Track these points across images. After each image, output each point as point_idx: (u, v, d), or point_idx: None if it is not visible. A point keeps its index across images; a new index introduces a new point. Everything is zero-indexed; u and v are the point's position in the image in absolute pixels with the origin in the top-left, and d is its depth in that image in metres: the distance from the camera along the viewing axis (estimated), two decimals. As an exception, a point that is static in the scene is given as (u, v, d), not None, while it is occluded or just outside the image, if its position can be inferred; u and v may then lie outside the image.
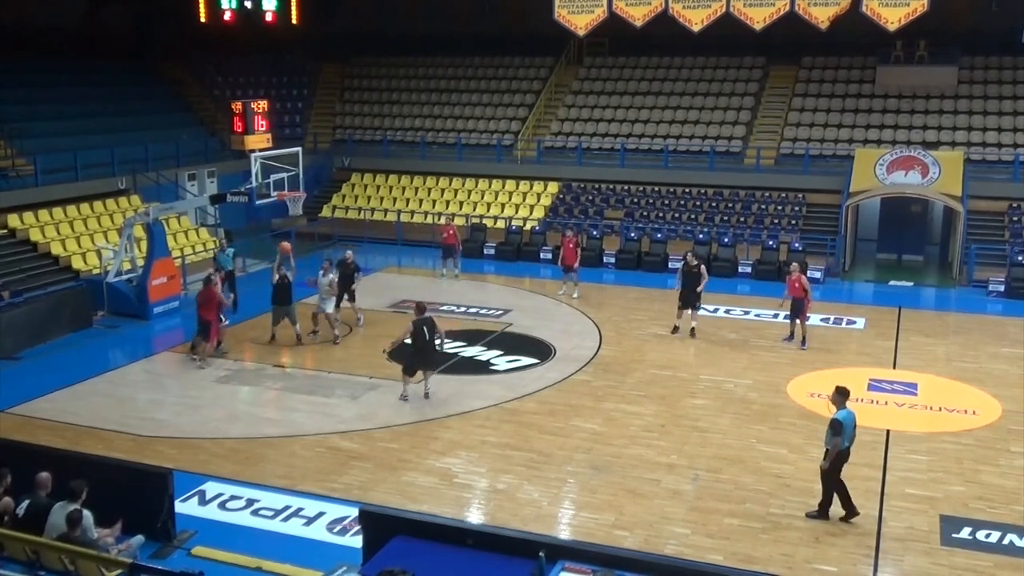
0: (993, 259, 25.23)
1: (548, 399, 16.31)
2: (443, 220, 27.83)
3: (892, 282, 25.71)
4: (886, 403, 16.23)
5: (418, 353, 16.04)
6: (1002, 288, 23.96)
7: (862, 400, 16.34)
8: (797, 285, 19.23)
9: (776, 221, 28.60)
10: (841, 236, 26.56)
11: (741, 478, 13.16)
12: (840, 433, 11.65)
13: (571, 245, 23.63)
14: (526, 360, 18.38)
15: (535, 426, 15.00)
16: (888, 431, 14.88)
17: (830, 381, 17.06)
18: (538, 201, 31.26)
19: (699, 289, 19.97)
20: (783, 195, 29.44)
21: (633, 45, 33.60)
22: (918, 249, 28.44)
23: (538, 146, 32.81)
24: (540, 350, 19.04)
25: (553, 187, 31.60)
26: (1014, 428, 15.06)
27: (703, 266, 20.39)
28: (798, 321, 19.43)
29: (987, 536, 11.57)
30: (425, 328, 15.85)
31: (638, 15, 27.09)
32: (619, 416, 15.51)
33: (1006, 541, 11.46)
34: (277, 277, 19.08)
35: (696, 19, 26.86)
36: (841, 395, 12.05)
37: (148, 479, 11.23)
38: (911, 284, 25.41)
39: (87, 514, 9.36)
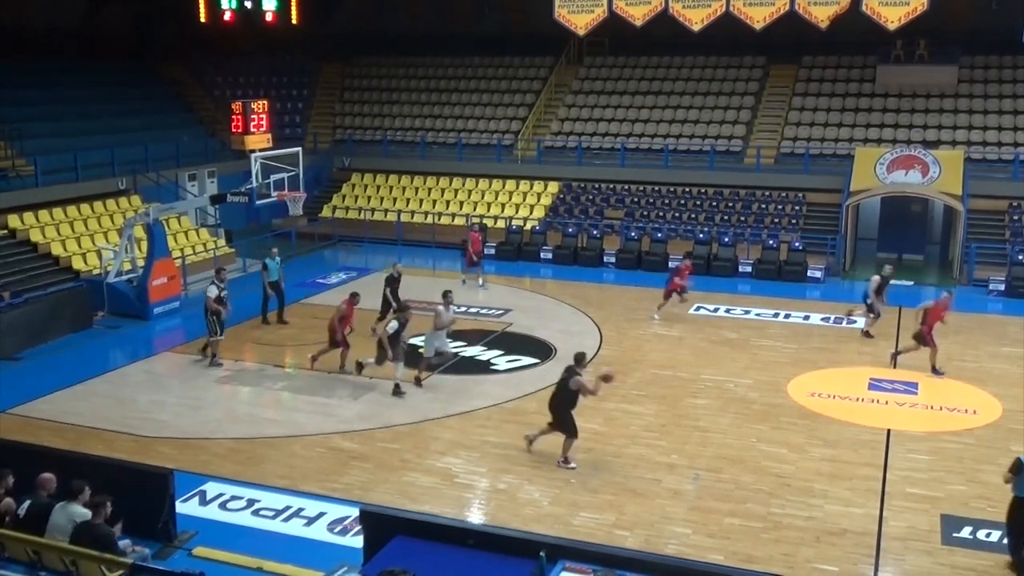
0: (993, 258, 25.23)
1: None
2: (470, 225, 27.27)
3: (892, 282, 25.63)
4: (887, 403, 16.23)
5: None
6: (1002, 287, 23.96)
7: (863, 400, 16.38)
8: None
9: (776, 220, 28.59)
10: (841, 235, 26.55)
11: (742, 478, 13.16)
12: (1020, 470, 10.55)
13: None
14: (527, 360, 18.39)
15: (536, 426, 14.97)
16: (889, 431, 14.89)
17: (830, 380, 17.26)
18: (538, 201, 31.26)
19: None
20: (783, 194, 29.43)
21: (633, 45, 33.62)
22: (918, 248, 28.44)
23: (538, 146, 32.80)
24: (541, 350, 19.04)
25: (553, 187, 31.60)
26: (1015, 427, 15.06)
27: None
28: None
29: (988, 535, 11.57)
30: (398, 323, 16.35)
31: (638, 15, 27.10)
32: (620, 416, 15.50)
33: (1007, 540, 11.43)
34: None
35: (696, 19, 26.87)
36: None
37: (149, 480, 11.24)
38: (911, 283, 25.38)
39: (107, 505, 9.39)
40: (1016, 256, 24.46)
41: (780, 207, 29.17)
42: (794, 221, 28.46)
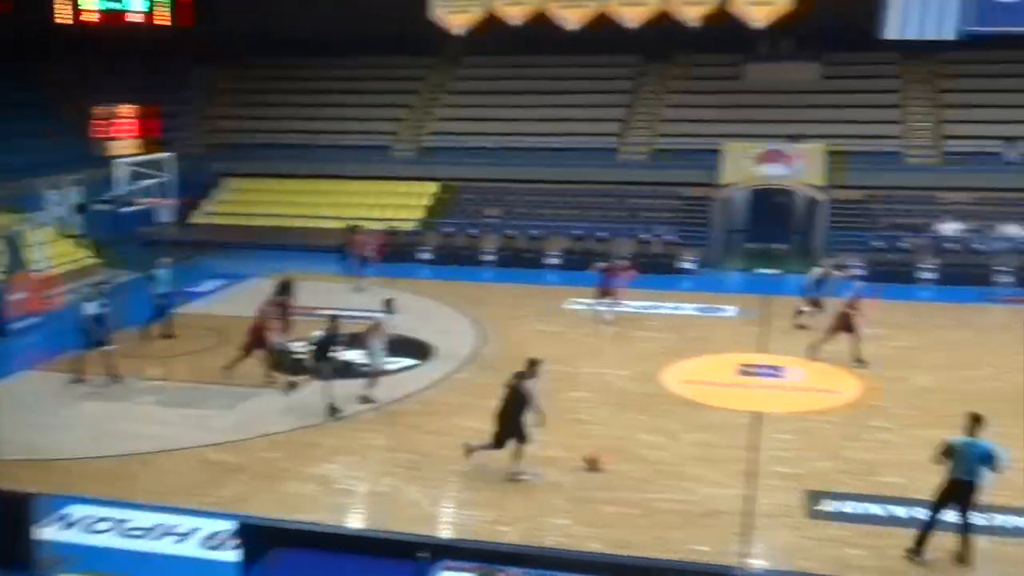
0: (852, 245, 26.39)
1: (430, 399, 16.31)
2: (351, 228, 25.99)
3: (760, 271, 26.62)
4: (756, 387, 16.83)
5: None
6: (862, 272, 25.01)
7: (734, 385, 16.92)
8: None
9: (651, 215, 29.24)
10: (713, 228, 27.35)
11: (620, 467, 13.41)
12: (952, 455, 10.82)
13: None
14: (407, 361, 18.32)
15: (417, 427, 14.97)
16: (757, 413, 15.41)
17: (703, 368, 17.75)
18: (417, 202, 31.19)
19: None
20: (658, 190, 30.13)
21: (510, 44, 33.77)
22: (784, 238, 29.52)
23: (417, 147, 32.72)
24: (420, 350, 19.01)
25: (432, 187, 31.59)
26: (874, 404, 15.80)
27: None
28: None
29: (850, 508, 12.11)
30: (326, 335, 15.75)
31: (516, 14, 27.37)
32: (500, 412, 15.58)
33: (868, 511, 12.01)
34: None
35: (573, 18, 27.28)
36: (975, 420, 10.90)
37: (4, 505, 10.71)
38: (778, 272, 26.35)
39: None
40: (874, 243, 25.65)
41: (655, 202, 29.83)
42: (669, 215, 29.17)
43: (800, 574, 10.58)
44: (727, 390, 16.74)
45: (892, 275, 24.73)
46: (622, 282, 21.19)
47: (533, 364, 13.18)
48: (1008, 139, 28.70)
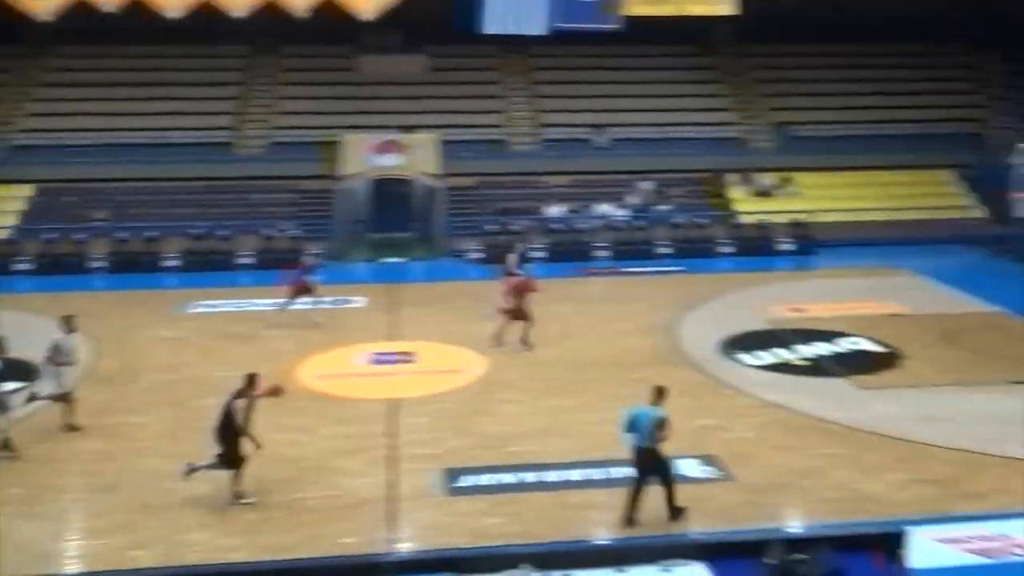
0: (469, 230, 27.80)
1: (41, 425, 14.84)
2: None
3: (385, 260, 27.22)
4: (389, 374, 17.22)
5: None
6: (480, 255, 26.51)
7: (367, 375, 17.19)
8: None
9: (273, 210, 28.76)
10: (336, 220, 27.50)
11: (260, 471, 13.09)
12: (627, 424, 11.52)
13: None
14: (10, 385, 16.50)
15: (31, 459, 13.57)
16: (393, 399, 15.79)
17: (336, 361, 17.83)
18: (9, 207, 28.21)
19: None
20: (277, 184, 29.68)
21: (106, 33, 31.40)
22: (404, 226, 30.34)
23: (5, 146, 29.54)
24: (25, 371, 17.19)
25: (26, 190, 28.71)
26: (499, 379, 16.80)
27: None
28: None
29: (486, 480, 12.80)
30: None
31: (111, 0, 25.52)
32: (125, 429, 14.64)
33: (502, 481, 12.77)
34: None
35: (174, 6, 25.93)
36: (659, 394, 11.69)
37: None
38: (402, 260, 27.13)
39: None
40: (488, 226, 27.22)
41: (276, 196, 29.38)
42: (291, 209, 28.86)
43: (443, 550, 11.03)
44: (362, 380, 16.98)
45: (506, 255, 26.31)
46: (304, 278, 20.73)
47: (251, 380, 12.27)
48: (597, 127, 31.68)
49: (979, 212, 29.87)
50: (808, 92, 33.65)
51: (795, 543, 8.88)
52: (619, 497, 12.29)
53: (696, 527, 11.55)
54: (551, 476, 12.92)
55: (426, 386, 16.57)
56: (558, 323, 20.36)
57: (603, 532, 11.59)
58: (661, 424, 11.32)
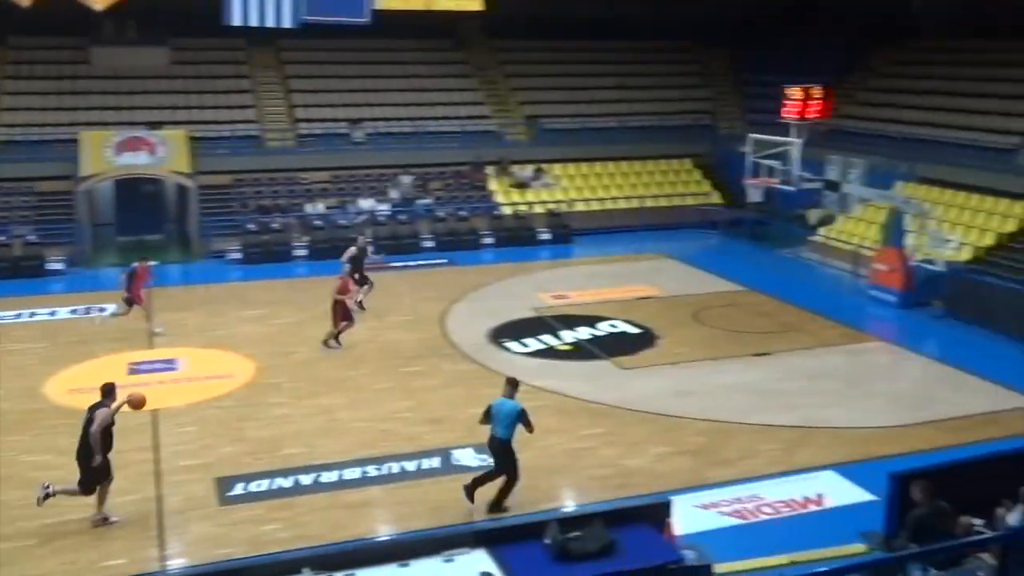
0: (227, 230, 26.82)
1: None
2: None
3: (146, 264, 25.68)
4: (149, 383, 16.28)
5: None
6: (239, 256, 25.65)
7: (124, 386, 16.16)
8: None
9: (5, 215, 26.47)
10: (79, 223, 25.71)
11: (8, 496, 12.11)
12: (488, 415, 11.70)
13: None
14: None
15: None
16: (156, 410, 14.99)
17: (89, 373, 16.70)
18: None
19: None
20: (10, 186, 27.33)
21: None
22: (157, 228, 28.89)
23: None
24: None
25: None
26: (268, 383, 16.36)
27: None
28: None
29: (259, 486, 12.45)
30: None
31: None
32: None
33: (275, 486, 12.47)
34: None
35: None
36: (509, 384, 11.97)
37: None
38: (156, 263, 25.70)
39: None
40: (247, 226, 26.36)
41: (8, 199, 27.04)
42: (26, 213, 26.66)
43: (220, 563, 10.62)
44: (120, 392, 15.93)
45: (268, 255, 25.68)
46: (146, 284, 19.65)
47: (108, 391, 11.62)
48: (353, 121, 31.41)
49: (717, 198, 32.13)
50: (555, 86, 34.91)
51: (570, 521, 9.21)
52: (396, 493, 12.34)
53: (475, 514, 11.78)
54: (327, 476, 12.75)
55: (191, 394, 15.86)
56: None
57: (383, 528, 11.59)
58: (522, 417, 11.61)
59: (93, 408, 11.49)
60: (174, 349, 18.10)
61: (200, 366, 17.21)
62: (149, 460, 13.23)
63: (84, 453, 11.35)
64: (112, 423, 11.49)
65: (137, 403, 11.76)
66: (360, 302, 20.51)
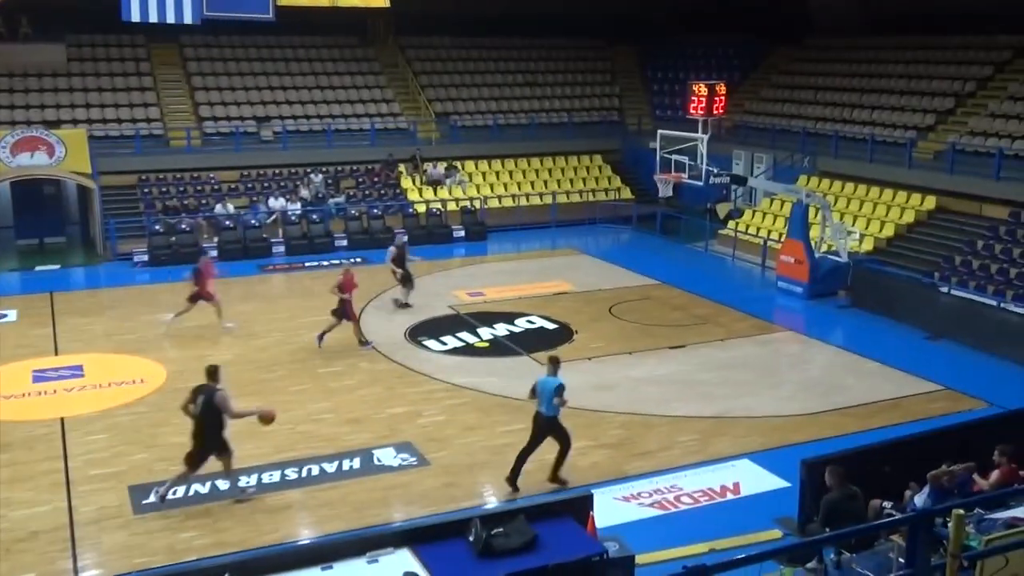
0: (133, 231, 26.10)
1: None
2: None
3: (38, 268, 24.90)
4: (55, 391, 15.83)
5: None
6: (146, 258, 24.99)
7: (29, 394, 15.67)
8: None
9: None
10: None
11: (-95, 513, 11.61)
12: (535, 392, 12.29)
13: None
14: None
15: None
16: (62, 419, 14.55)
17: (-10, 382, 16.11)
18: None
19: None
20: None
21: None
22: (59, 230, 27.96)
23: None
24: None
25: None
26: (180, 386, 15.86)
27: None
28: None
29: (175, 493, 12.15)
30: None
31: None
32: None
33: (191, 492, 12.20)
34: None
35: None
36: (551, 362, 12.52)
37: None
38: (58, 267, 24.95)
39: None
40: (153, 227, 25.69)
41: None
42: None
43: (136, 573, 10.36)
44: (24, 401, 15.44)
45: (176, 256, 25.05)
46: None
47: (214, 372, 11.98)
48: (260, 119, 30.89)
49: (627, 193, 32.57)
50: (465, 83, 34.94)
51: (492, 518, 9.24)
52: (317, 495, 12.21)
53: (397, 514, 11.75)
54: (245, 481, 12.53)
55: (100, 401, 15.40)
56: (240, 322, 19.72)
57: (305, 531, 11.46)
58: (559, 391, 12.01)
59: (202, 389, 11.81)
60: (79, 355, 17.54)
61: (108, 372, 16.71)
62: (59, 470, 12.81)
63: (204, 430, 11.80)
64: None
65: (268, 419, 12.17)
66: (405, 302, 20.70)
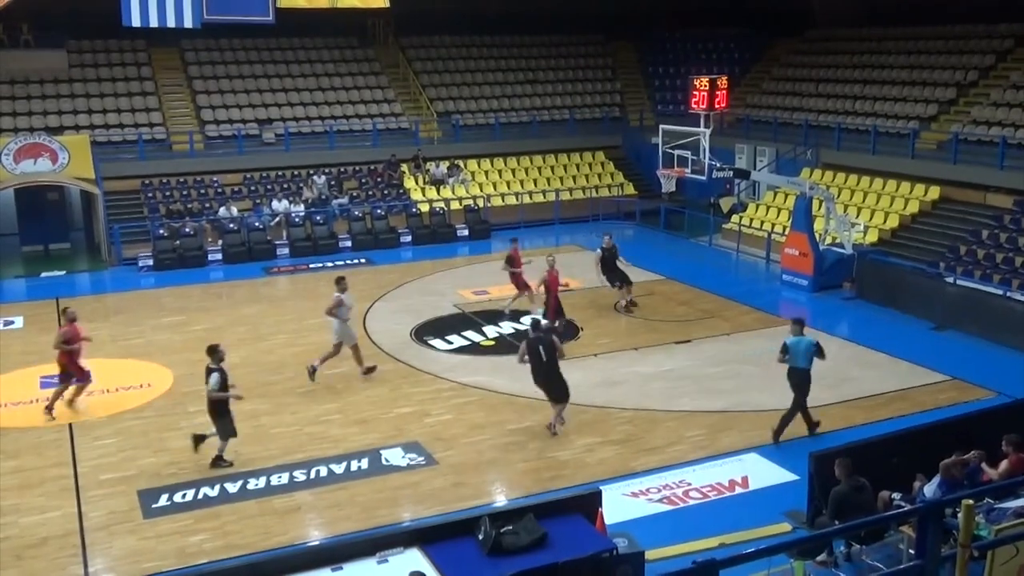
0: (137, 236, 26.14)
1: None
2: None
3: (44, 274, 24.95)
4: (63, 397, 15.80)
5: None
6: (151, 262, 25.02)
7: (37, 400, 15.70)
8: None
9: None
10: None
11: (-84, 521, 11.65)
12: (786, 352, 13.52)
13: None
14: None
15: None
16: (70, 424, 14.59)
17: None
18: None
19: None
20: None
21: None
22: (63, 236, 28.00)
23: None
24: None
25: None
26: (188, 390, 15.96)
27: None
28: None
29: (184, 496, 12.20)
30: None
31: None
32: None
33: (200, 495, 12.23)
34: None
35: None
36: (796, 323, 13.83)
37: None
38: (64, 273, 25.00)
39: None
40: (157, 231, 25.73)
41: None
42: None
43: (148, 576, 10.42)
44: (32, 407, 15.48)
45: (180, 260, 25.11)
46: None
47: (213, 350, 13.23)
48: (262, 122, 30.92)
49: (630, 189, 32.54)
50: (466, 82, 34.93)
51: (501, 516, 9.25)
52: (326, 496, 12.23)
53: (406, 514, 11.77)
54: (254, 483, 12.57)
55: (109, 406, 15.43)
56: (245, 325, 19.79)
57: (315, 532, 11.48)
58: (819, 347, 13.50)
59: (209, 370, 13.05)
60: (88, 360, 17.50)
61: (116, 377, 16.73)
62: (68, 476, 12.85)
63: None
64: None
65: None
66: (629, 302, 20.50)
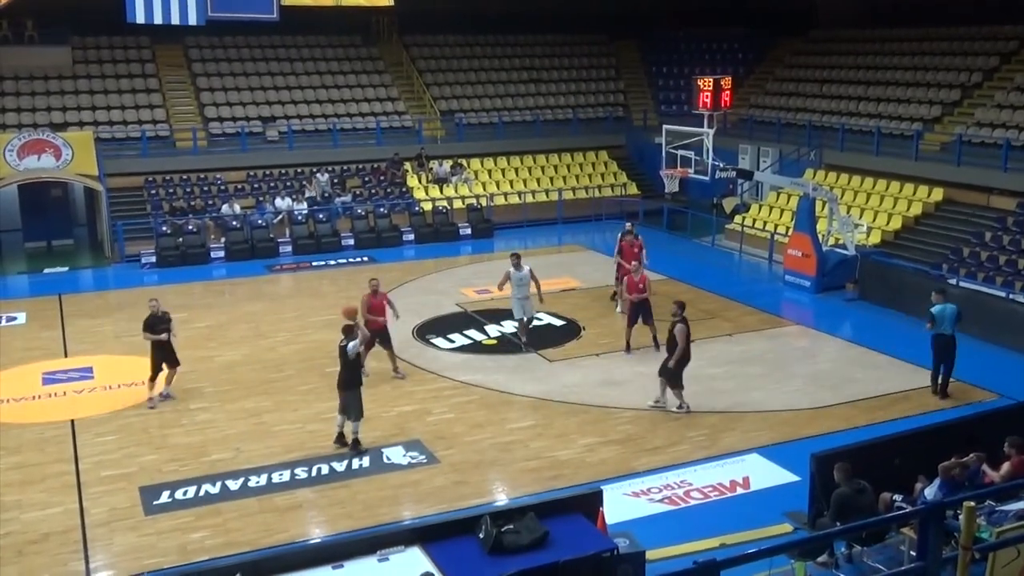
0: (140, 233, 26.15)
1: None
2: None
3: (47, 270, 24.98)
4: (65, 393, 15.88)
5: None
6: (154, 259, 25.03)
7: (39, 396, 15.73)
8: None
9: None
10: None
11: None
12: (933, 320, 14.98)
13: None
14: None
15: None
16: (72, 420, 14.60)
17: (1, 386, 16.13)
18: None
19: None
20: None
21: None
22: (66, 233, 28.03)
23: None
24: None
25: None
26: (189, 387, 16.00)
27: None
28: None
29: (185, 493, 12.21)
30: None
31: None
32: None
33: (202, 492, 12.24)
34: None
35: None
36: (940, 292, 15.41)
37: None
38: (67, 269, 25.02)
39: None
40: (160, 228, 25.73)
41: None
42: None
43: (148, 574, 10.40)
44: (34, 403, 15.50)
45: (183, 258, 25.13)
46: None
47: (349, 330, 13.49)
48: (265, 119, 30.92)
49: (633, 189, 32.52)
50: (470, 81, 34.94)
51: (502, 515, 9.25)
52: (327, 493, 12.23)
53: (407, 512, 11.76)
54: (255, 481, 12.57)
55: (109, 402, 15.44)
56: (248, 323, 19.80)
57: (316, 530, 11.48)
58: (959, 312, 15.06)
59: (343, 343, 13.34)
60: (89, 357, 17.59)
61: (118, 373, 16.75)
62: (70, 472, 12.85)
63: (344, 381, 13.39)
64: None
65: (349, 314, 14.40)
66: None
